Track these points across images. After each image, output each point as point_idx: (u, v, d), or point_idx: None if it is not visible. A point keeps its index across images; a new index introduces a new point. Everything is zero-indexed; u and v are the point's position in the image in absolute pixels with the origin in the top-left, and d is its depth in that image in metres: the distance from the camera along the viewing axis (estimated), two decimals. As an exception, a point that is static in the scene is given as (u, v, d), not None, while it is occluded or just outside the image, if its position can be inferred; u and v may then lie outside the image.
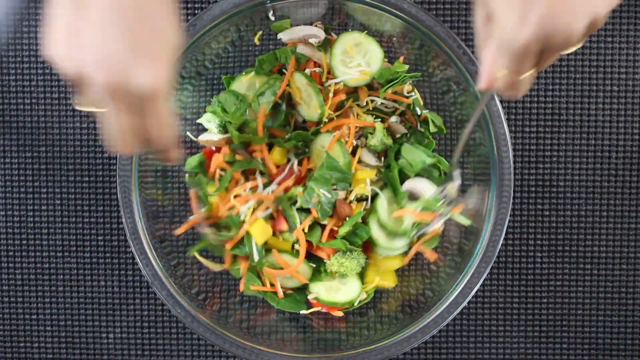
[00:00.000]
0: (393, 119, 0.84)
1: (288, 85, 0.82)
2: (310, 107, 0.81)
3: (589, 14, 0.55)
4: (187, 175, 0.85)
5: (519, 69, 0.59)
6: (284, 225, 0.82)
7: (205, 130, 0.86)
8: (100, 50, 0.54)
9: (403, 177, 0.83)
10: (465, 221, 0.81)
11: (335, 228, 0.82)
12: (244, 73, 0.84)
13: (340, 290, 0.83)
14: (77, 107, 0.71)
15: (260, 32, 0.84)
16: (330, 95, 0.82)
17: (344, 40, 0.81)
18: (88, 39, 0.54)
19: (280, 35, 0.83)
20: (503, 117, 0.77)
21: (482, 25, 0.60)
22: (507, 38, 0.56)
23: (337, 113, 0.83)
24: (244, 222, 0.81)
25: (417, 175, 0.82)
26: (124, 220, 0.78)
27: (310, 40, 0.83)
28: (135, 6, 0.54)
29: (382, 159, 0.84)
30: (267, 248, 0.82)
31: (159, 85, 0.56)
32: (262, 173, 0.83)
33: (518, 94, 0.63)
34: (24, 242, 0.91)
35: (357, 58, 0.81)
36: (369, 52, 0.82)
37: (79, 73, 0.55)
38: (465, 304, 0.78)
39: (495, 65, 0.60)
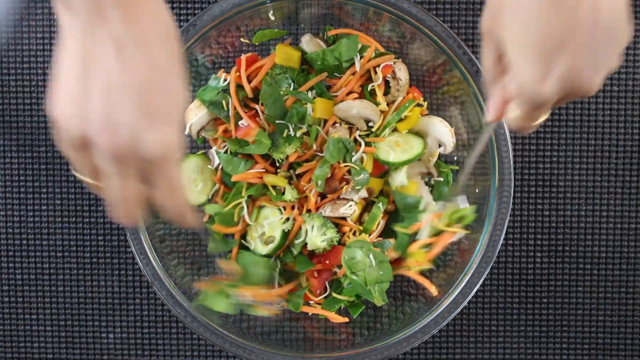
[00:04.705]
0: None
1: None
2: None
3: (607, 67, 0.55)
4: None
5: (535, 117, 0.59)
6: None
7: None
8: (107, 114, 0.52)
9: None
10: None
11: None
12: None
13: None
14: (77, 176, 0.68)
15: (260, 32, 0.84)
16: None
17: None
18: (95, 102, 0.52)
19: (336, 112, 0.83)
20: (503, 117, 0.77)
21: (493, 64, 0.59)
22: (527, 91, 0.55)
23: None
24: None
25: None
26: (124, 220, 0.78)
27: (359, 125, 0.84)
28: (145, 69, 0.53)
29: None
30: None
31: (169, 150, 0.54)
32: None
33: (528, 132, 0.63)
34: (24, 242, 0.91)
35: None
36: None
37: (83, 137, 0.53)
38: (465, 304, 0.78)
39: (503, 104, 0.60)
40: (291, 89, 0.81)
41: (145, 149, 0.53)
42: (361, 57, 0.82)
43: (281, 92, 0.81)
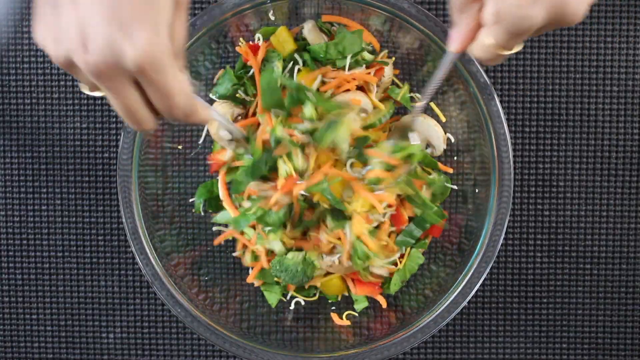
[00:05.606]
0: None
1: None
2: None
3: None
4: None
5: (511, 44, 0.56)
6: None
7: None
8: (80, 31, 0.48)
9: None
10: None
11: None
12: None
13: None
14: (82, 91, 0.66)
15: (260, 32, 0.84)
16: None
17: None
18: (66, 20, 0.48)
19: None
20: (503, 117, 0.77)
21: None
22: (512, 15, 0.52)
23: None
24: None
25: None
26: (124, 220, 0.78)
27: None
28: None
29: None
30: None
31: (156, 52, 0.49)
32: None
33: (497, 63, 0.59)
34: (24, 242, 0.91)
35: None
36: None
37: (67, 59, 0.50)
38: (465, 304, 0.78)
39: (471, 32, 0.57)
40: (280, 70, 0.81)
41: (128, 58, 0.48)
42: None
43: (275, 77, 0.79)
